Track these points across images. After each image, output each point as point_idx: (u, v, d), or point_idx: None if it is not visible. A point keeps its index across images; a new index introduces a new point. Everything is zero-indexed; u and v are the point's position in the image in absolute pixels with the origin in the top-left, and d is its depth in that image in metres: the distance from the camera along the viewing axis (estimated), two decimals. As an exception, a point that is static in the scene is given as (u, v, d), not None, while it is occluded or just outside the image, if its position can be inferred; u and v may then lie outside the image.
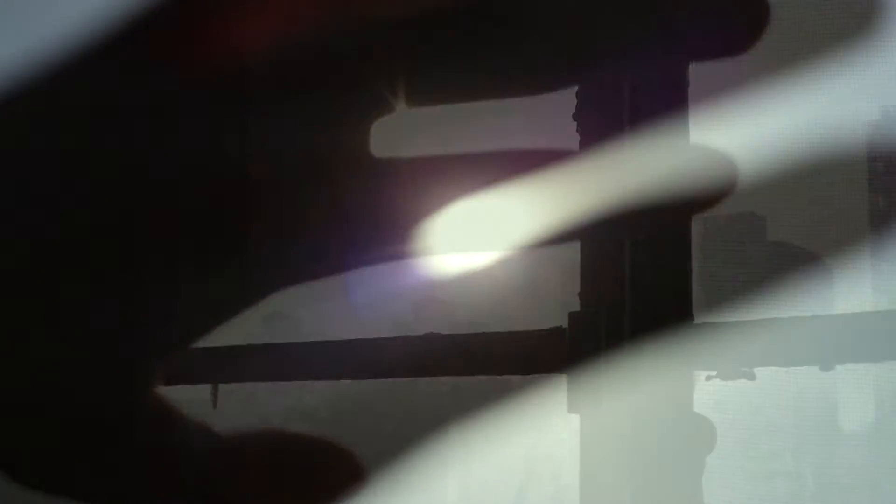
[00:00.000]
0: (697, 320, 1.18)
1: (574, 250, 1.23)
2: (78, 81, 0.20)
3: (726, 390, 1.22)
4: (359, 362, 1.32)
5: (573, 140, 1.15)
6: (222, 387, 1.42)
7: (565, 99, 1.15)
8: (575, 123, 1.17)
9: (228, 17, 0.21)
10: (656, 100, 1.03)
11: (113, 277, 0.18)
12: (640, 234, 0.22)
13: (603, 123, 1.11)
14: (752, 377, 1.21)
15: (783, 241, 1.20)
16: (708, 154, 0.18)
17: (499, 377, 1.26)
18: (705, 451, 1.20)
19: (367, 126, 0.19)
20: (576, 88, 0.19)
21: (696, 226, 1.20)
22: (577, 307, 1.24)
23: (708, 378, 1.21)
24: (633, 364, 1.13)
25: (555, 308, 1.31)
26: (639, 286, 1.20)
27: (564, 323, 1.24)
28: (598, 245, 1.19)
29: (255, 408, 1.51)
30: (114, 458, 0.18)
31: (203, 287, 0.19)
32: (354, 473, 0.20)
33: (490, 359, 1.25)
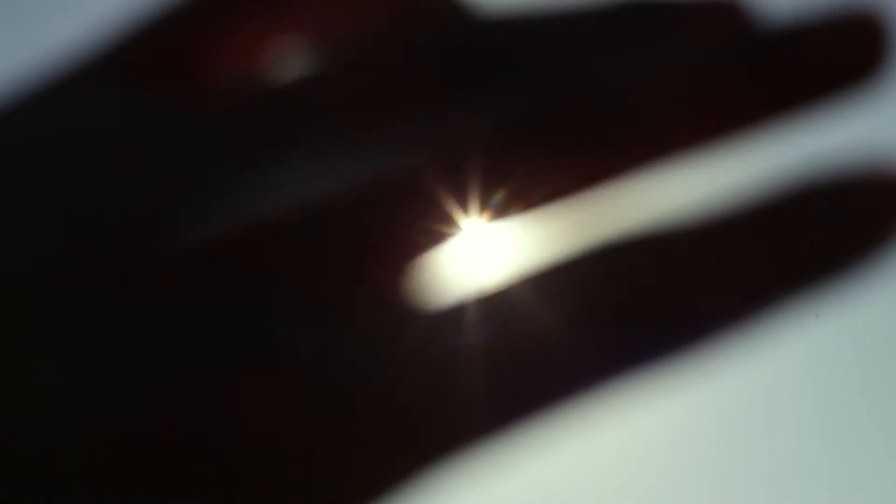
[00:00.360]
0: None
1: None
2: (74, 100, 0.20)
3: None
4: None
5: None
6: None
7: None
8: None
9: (231, 35, 0.21)
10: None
11: (105, 313, 0.17)
12: None
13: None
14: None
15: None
16: None
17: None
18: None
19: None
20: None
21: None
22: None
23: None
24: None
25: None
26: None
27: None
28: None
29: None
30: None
31: (199, 343, 0.17)
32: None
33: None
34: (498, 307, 0.17)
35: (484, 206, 0.18)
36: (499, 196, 0.18)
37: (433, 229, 0.18)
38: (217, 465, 0.16)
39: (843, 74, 0.18)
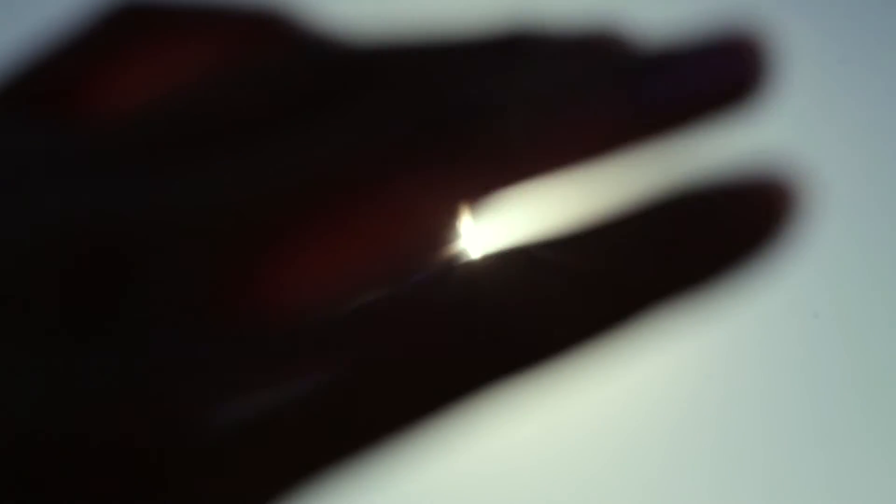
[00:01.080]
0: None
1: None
2: None
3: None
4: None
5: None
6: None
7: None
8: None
9: (126, 70, 0.21)
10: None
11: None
12: None
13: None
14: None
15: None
16: None
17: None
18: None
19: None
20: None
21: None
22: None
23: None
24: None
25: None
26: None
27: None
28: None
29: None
30: None
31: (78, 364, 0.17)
32: None
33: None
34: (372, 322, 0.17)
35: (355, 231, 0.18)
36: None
37: (312, 248, 0.18)
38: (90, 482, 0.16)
39: (719, 95, 0.19)
